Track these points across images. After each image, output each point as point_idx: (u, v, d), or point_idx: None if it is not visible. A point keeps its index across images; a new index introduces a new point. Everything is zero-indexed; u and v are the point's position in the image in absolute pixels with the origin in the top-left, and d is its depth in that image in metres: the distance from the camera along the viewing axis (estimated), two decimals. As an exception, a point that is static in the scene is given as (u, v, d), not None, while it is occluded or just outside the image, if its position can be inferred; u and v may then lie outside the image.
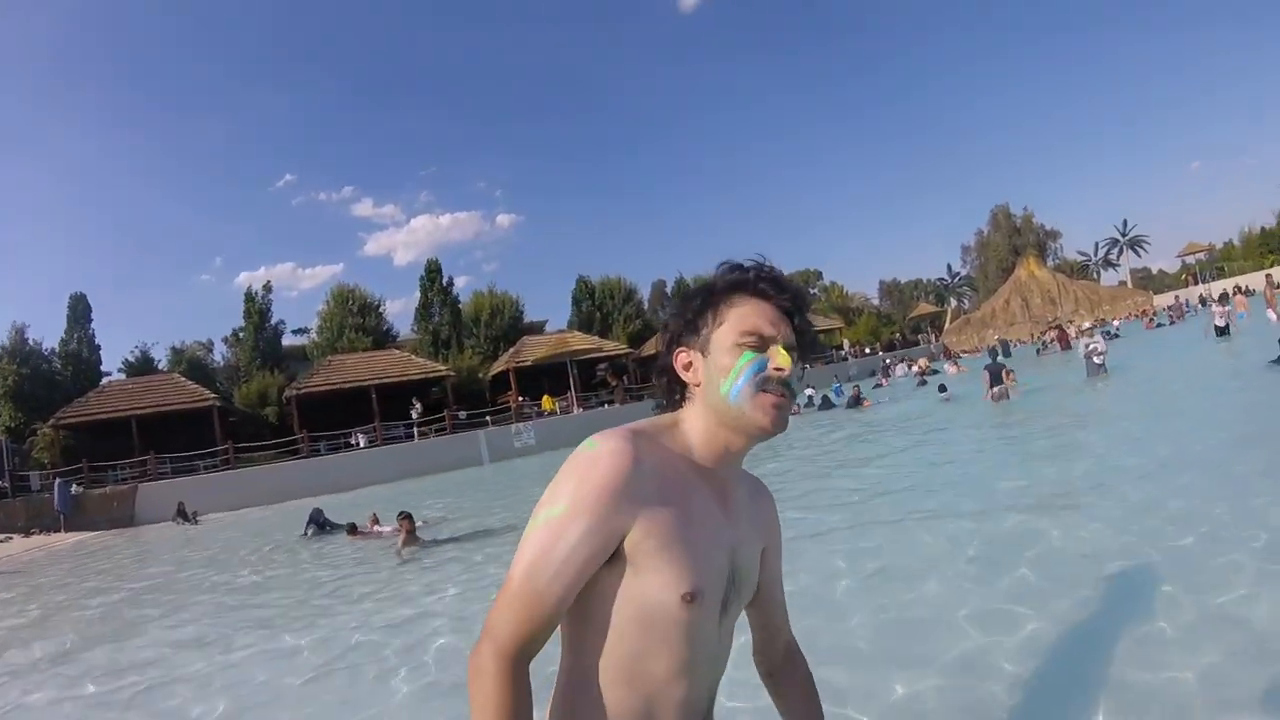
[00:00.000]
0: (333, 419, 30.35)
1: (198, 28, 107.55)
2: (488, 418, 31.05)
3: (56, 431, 28.26)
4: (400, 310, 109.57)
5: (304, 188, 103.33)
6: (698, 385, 1.22)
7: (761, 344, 1.17)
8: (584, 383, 36.05)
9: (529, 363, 35.28)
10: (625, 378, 37.08)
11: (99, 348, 36.48)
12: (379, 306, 43.14)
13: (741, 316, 1.19)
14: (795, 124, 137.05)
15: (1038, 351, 33.89)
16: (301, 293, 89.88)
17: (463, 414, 31.51)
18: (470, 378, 38.10)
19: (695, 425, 1.23)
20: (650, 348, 40.23)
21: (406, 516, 10.03)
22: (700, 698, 1.22)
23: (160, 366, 38.24)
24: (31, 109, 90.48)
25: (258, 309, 39.79)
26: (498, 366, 37.68)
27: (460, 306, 44.42)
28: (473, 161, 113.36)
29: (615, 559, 1.11)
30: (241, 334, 40.91)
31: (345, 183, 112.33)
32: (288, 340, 43.29)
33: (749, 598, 1.33)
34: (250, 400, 34.73)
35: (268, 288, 40.94)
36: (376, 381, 32.05)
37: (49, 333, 38.43)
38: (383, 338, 41.46)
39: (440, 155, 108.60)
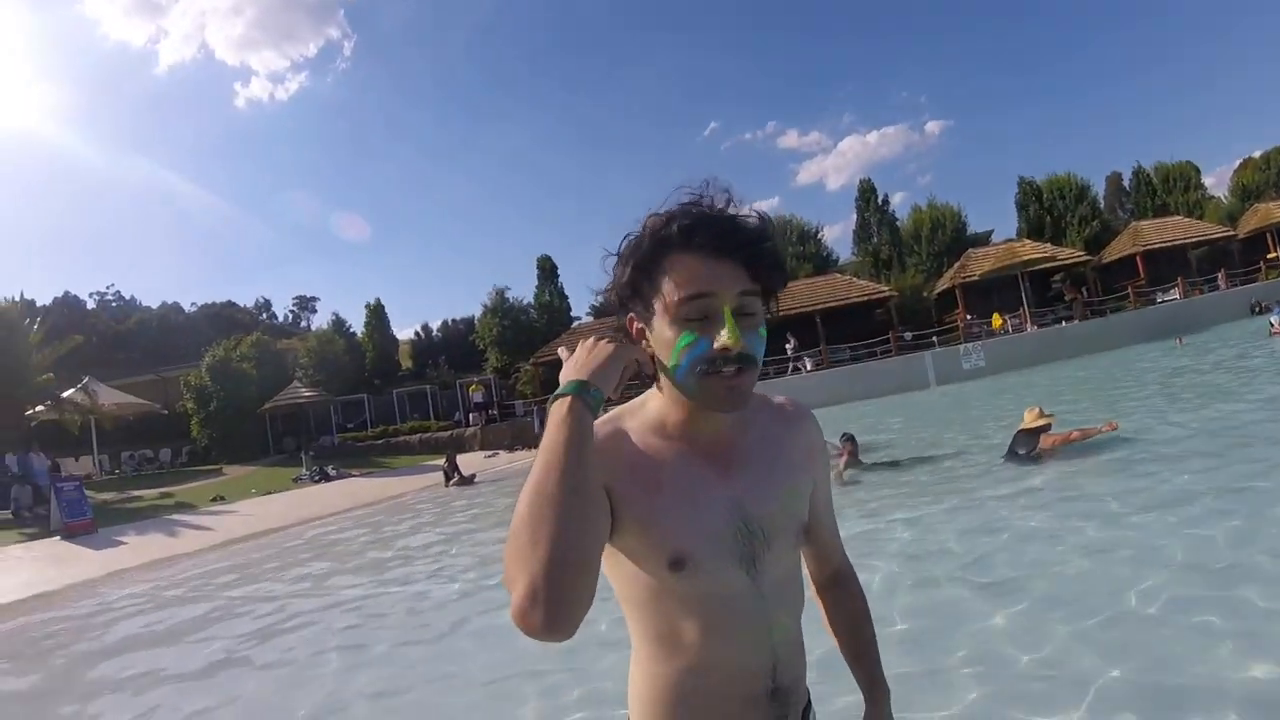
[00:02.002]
0: (771, 344, 29.68)
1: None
2: (934, 338, 28.69)
3: (535, 368, 32.30)
4: (838, 235, 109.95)
5: (729, 132, 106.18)
6: (653, 357, 1.07)
7: (704, 316, 0.99)
8: (1038, 297, 31.63)
9: (975, 277, 31.46)
10: (1085, 289, 31.80)
11: (567, 298, 40.73)
12: (817, 233, 43.75)
13: (676, 285, 0.99)
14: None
15: None
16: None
17: (908, 335, 29.46)
18: (914, 297, 35.70)
19: (663, 398, 1.10)
20: (1112, 252, 34.98)
21: (849, 439, 9.55)
22: (761, 665, 1.08)
23: (616, 312, 41.47)
24: (491, 104, 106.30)
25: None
26: (942, 284, 34.74)
27: (898, 224, 42.08)
28: (890, 73, 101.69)
29: (614, 528, 1.02)
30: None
31: (768, 119, 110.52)
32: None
33: (793, 542, 1.16)
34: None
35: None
36: (820, 306, 31.29)
37: (526, 291, 43.28)
38: (823, 263, 41.55)
39: (855, 73, 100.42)
